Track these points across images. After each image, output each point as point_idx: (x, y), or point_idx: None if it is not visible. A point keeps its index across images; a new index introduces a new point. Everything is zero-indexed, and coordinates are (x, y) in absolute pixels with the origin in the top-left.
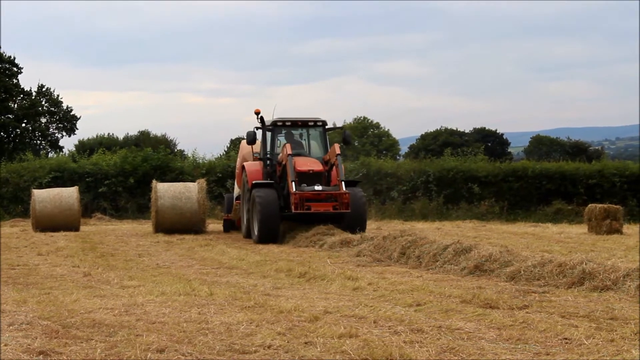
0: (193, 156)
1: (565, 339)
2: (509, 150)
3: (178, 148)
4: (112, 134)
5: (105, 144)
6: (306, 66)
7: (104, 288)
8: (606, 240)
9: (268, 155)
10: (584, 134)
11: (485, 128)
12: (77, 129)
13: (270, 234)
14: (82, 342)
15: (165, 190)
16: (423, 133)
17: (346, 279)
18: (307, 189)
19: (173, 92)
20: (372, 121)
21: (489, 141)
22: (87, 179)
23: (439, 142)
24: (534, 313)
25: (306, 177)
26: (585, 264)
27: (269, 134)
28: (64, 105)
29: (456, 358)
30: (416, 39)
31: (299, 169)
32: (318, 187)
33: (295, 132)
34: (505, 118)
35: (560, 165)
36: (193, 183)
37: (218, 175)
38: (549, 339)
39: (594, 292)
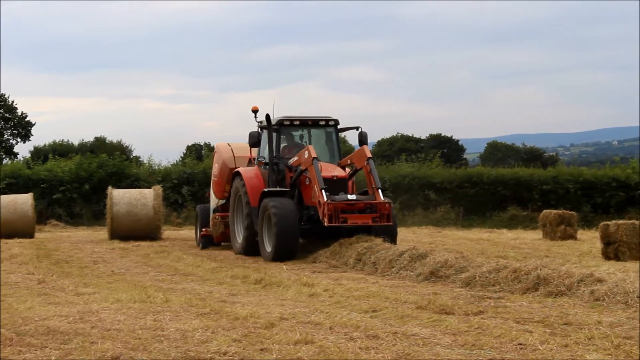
0: (149, 162)
1: (520, 344)
2: (464, 156)
3: (134, 154)
4: (68, 140)
5: (60, 150)
6: (264, 72)
7: (59, 295)
8: (560, 246)
9: (275, 160)
10: (538, 140)
11: (441, 134)
12: (32, 135)
13: (289, 251)
14: (36, 350)
15: (120, 197)
16: (379, 139)
17: (302, 285)
18: (338, 198)
19: (130, 98)
20: None
21: (445, 147)
22: (42, 186)
23: (395, 148)
24: (489, 319)
25: (328, 185)
26: (540, 270)
27: (274, 135)
28: (19, 112)
29: None
30: (374, 45)
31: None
32: (352, 196)
33: (296, 133)
34: (461, 124)
35: (515, 171)
36: (149, 189)
37: (174, 182)
38: (503, 345)
39: (549, 297)
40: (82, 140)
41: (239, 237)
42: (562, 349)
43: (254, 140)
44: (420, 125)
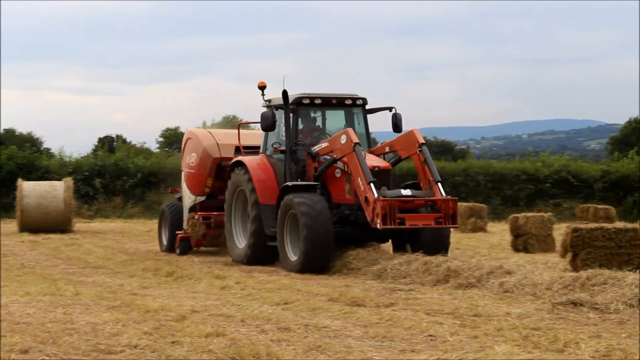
0: (60, 155)
1: (430, 335)
2: None
3: (44, 146)
4: None
5: None
6: (173, 64)
7: None
8: (471, 238)
9: (294, 147)
10: (450, 134)
11: None
12: None
13: (322, 260)
14: None
15: (30, 189)
16: None
17: (214, 277)
18: (390, 194)
19: (38, 90)
20: (241, 119)
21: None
22: None
23: None
24: (399, 310)
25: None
26: (450, 262)
27: (291, 116)
28: None
29: (323, 356)
30: (286, 38)
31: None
32: (406, 192)
33: (314, 115)
34: (372, 118)
35: None
36: (59, 182)
37: (85, 174)
38: (414, 336)
39: (459, 289)
40: None
41: (240, 242)
42: (472, 340)
43: (268, 123)
44: None
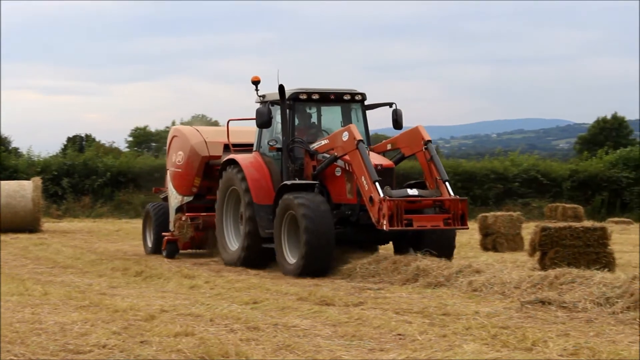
0: (28, 154)
1: (399, 334)
2: None
3: (12, 146)
4: None
5: None
6: (145, 64)
7: None
8: None
9: (291, 144)
10: None
11: None
12: None
13: (322, 262)
14: None
15: None
16: None
17: (183, 277)
18: (396, 194)
19: (6, 90)
20: (210, 119)
21: None
22: None
23: None
24: (369, 309)
25: None
26: (419, 261)
27: (288, 112)
28: None
29: (292, 355)
30: (257, 38)
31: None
32: (413, 191)
33: (310, 111)
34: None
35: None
36: (28, 181)
37: (54, 173)
38: (383, 335)
39: (428, 288)
40: None
41: (233, 244)
42: (441, 339)
43: (264, 119)
44: None
